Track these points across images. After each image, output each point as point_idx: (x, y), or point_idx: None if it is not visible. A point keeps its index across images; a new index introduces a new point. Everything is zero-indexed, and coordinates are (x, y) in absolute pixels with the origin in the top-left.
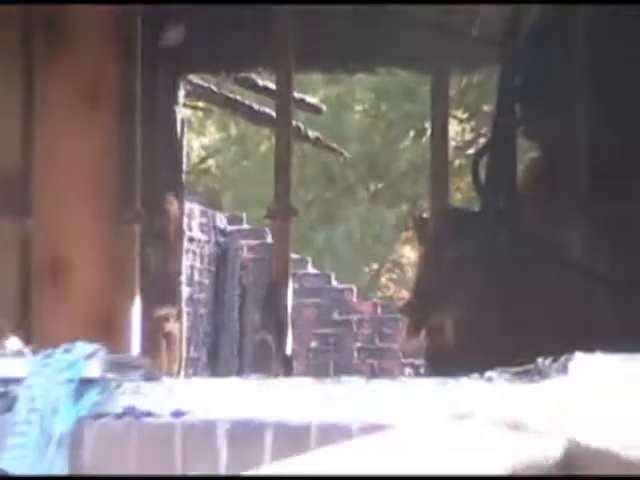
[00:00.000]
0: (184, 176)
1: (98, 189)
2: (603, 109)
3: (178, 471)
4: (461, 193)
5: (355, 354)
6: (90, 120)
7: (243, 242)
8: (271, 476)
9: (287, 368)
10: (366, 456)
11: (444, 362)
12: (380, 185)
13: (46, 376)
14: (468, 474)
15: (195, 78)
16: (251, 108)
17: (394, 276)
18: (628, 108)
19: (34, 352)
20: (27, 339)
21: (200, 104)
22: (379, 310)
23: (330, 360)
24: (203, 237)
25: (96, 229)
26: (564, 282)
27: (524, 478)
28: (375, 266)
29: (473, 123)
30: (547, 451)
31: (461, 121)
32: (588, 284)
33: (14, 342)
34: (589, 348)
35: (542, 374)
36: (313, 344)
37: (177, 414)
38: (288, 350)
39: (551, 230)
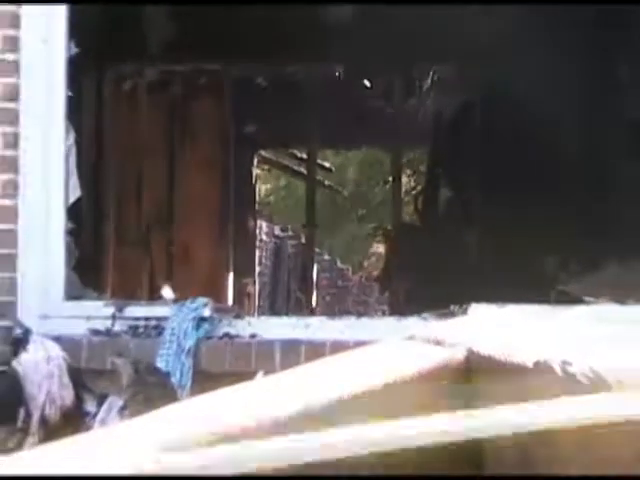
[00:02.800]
0: (256, 206)
1: (210, 211)
2: (490, 169)
3: (252, 369)
4: (408, 215)
5: (350, 304)
6: (208, 175)
7: (289, 242)
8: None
9: (312, 312)
10: (350, 362)
11: (399, 309)
12: (363, 211)
13: (180, 315)
14: (413, 369)
15: (263, 152)
16: (293, 169)
17: (371, 262)
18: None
19: (174, 302)
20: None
21: (265, 166)
22: (363, 280)
23: (336, 307)
24: (267, 239)
25: (209, 233)
26: (467, 267)
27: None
28: (360, 256)
29: (415, 177)
30: (454, 355)
31: (409, 176)
32: (482, 266)
33: (168, 290)
34: (480, 301)
35: (453, 315)
36: (327, 299)
37: (252, 336)
38: (313, 303)
39: (459, 235)
